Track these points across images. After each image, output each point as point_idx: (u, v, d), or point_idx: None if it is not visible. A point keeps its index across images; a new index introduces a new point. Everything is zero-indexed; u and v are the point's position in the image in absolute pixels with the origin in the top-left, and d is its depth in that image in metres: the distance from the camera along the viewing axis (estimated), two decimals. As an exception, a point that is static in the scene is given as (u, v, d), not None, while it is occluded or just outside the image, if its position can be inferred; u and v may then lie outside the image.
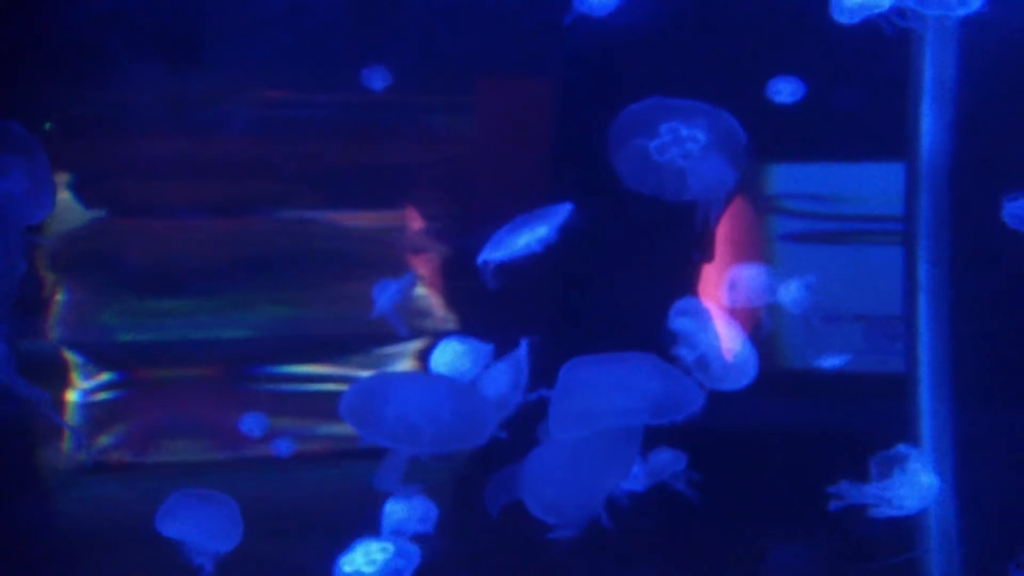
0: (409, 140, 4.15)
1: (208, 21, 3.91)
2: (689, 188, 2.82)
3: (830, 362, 3.78)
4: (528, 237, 2.93)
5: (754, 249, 4.13)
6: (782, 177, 4.15)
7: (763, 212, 4.12)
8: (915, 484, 3.06)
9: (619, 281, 4.02)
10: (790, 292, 3.57)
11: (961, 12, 3.15)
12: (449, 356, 3.12)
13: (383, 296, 3.38)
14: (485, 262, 3.02)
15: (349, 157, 4.12)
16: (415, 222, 4.17)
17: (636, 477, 3.28)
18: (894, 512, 3.05)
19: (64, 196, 3.98)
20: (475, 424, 2.69)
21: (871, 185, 4.04)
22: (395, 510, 3.20)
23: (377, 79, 3.80)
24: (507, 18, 3.86)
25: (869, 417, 3.89)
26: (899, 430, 3.77)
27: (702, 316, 3.03)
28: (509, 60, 3.96)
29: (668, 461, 3.46)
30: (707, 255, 4.05)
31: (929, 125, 3.71)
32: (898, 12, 3.16)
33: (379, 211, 4.20)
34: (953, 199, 3.71)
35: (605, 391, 2.46)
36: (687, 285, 4.07)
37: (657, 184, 2.76)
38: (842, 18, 3.25)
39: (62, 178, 3.94)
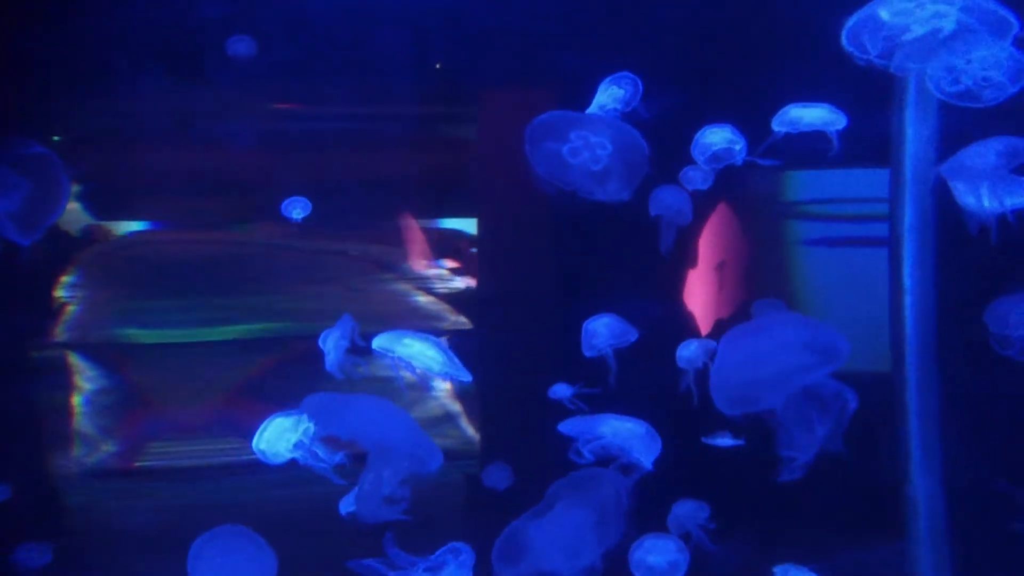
0: (411, 151, 4.23)
1: (213, 36, 3.98)
2: (606, 190, 3.01)
3: (723, 441, 3.86)
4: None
5: (738, 252, 4.22)
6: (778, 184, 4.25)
7: (750, 217, 4.22)
8: None
9: (608, 285, 4.10)
10: (689, 350, 3.69)
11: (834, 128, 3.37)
12: (274, 432, 3.12)
13: (329, 345, 3.32)
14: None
15: (353, 168, 4.18)
16: (415, 230, 4.24)
17: (664, 548, 3.40)
18: None
19: (74, 206, 4.05)
20: (416, 453, 2.75)
21: (858, 192, 4.14)
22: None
23: (296, 209, 3.94)
24: (507, 31, 3.95)
25: (857, 417, 3.97)
26: (887, 428, 3.86)
27: (590, 418, 3.21)
28: (511, 72, 4.06)
29: (691, 511, 3.55)
30: (691, 260, 4.15)
31: (913, 135, 3.81)
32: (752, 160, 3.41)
33: (381, 220, 4.26)
34: (937, 205, 3.79)
35: (771, 357, 2.50)
36: (673, 289, 4.17)
37: (571, 183, 2.99)
38: (701, 160, 3.47)
39: (72, 189, 4.00)
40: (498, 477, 3.93)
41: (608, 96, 3.35)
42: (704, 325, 4.19)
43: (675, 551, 3.35)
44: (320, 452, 3.07)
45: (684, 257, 4.16)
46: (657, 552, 3.34)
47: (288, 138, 4.19)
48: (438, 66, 4.13)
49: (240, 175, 4.20)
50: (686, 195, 3.51)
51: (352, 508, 3.07)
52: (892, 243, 3.83)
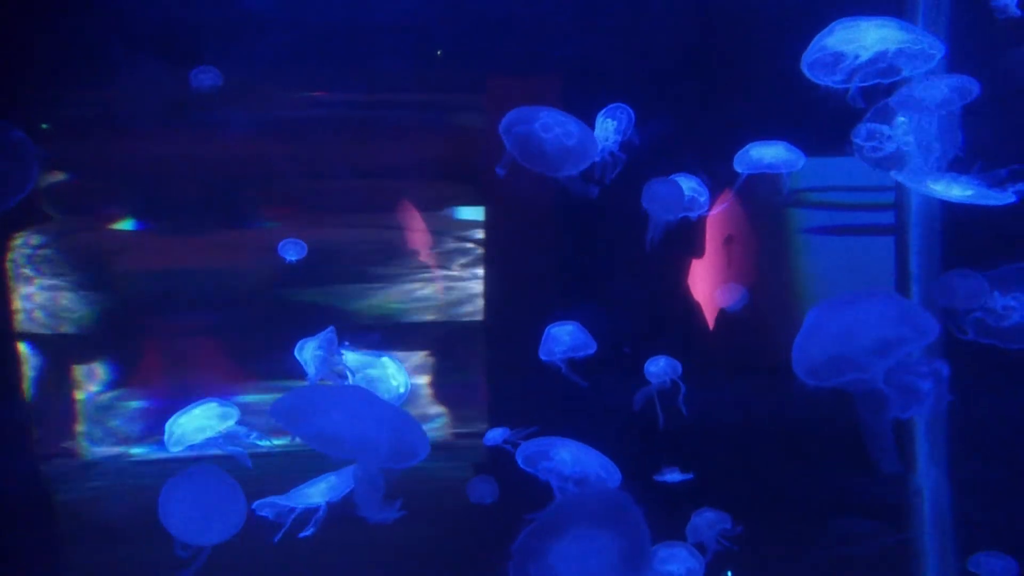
0: (413, 139, 4.19)
1: (208, 23, 3.93)
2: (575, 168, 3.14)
3: (671, 476, 3.86)
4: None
5: (747, 243, 4.20)
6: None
7: (755, 208, 4.19)
8: None
9: (616, 276, 4.09)
10: (657, 365, 3.70)
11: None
12: (201, 414, 3.17)
13: (305, 355, 3.23)
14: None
15: (352, 157, 4.15)
16: (415, 220, 4.21)
17: (678, 556, 3.40)
18: None
19: (59, 195, 4.02)
20: (406, 444, 2.67)
21: (865, 181, 4.11)
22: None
23: (291, 252, 3.93)
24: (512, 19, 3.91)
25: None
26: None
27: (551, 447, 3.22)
28: (515, 60, 4.02)
29: (712, 521, 3.55)
30: (697, 251, 4.12)
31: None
32: None
33: (381, 209, 4.23)
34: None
35: (865, 331, 2.50)
36: (679, 279, 4.15)
37: (544, 162, 3.13)
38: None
39: (57, 177, 3.99)
40: (483, 491, 3.88)
41: (604, 128, 3.44)
42: (709, 313, 4.17)
43: (689, 557, 3.36)
44: (246, 439, 3.06)
45: (689, 247, 4.13)
46: (673, 561, 3.35)
47: (287, 127, 4.14)
48: (439, 53, 4.09)
49: (236, 165, 4.15)
50: (679, 189, 3.50)
51: (264, 510, 3.03)
52: (899, 231, 3.81)
